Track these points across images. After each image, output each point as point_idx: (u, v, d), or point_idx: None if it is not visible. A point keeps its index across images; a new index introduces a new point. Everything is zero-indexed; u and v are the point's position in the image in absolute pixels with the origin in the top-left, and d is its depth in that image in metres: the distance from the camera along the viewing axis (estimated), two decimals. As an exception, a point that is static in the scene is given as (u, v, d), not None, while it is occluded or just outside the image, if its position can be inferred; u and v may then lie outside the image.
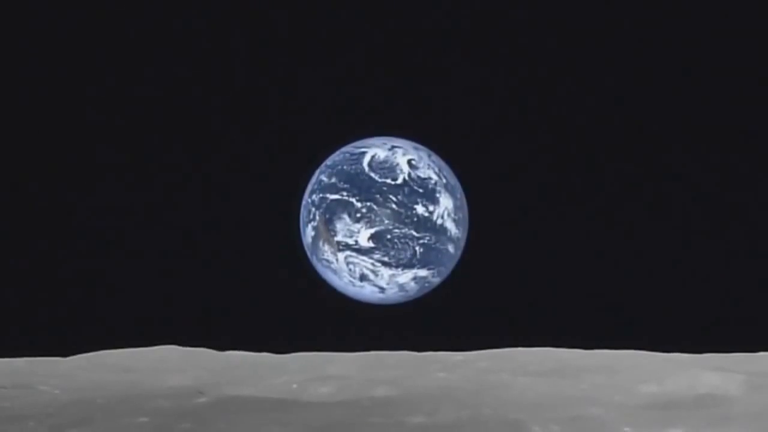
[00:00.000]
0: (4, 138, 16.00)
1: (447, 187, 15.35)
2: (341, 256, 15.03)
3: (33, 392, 13.43)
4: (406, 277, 15.17)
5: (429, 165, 15.33)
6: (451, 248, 15.44)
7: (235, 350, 15.29)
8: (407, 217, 14.93)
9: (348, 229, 14.92)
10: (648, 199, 16.03)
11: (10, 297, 16.07)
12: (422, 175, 15.18)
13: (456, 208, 15.43)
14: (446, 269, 15.53)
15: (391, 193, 14.90)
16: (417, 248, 15.04)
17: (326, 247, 15.11)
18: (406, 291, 15.38)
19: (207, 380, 13.94)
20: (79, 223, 16.08)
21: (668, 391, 13.38)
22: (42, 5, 15.75)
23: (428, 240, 15.09)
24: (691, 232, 15.96)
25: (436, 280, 15.52)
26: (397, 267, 15.05)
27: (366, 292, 15.31)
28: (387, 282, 15.16)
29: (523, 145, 16.38)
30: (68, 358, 15.15)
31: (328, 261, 15.20)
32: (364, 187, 14.94)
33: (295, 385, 13.63)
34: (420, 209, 15.00)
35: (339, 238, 14.95)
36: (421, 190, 15.06)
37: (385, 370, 14.27)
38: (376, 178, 14.98)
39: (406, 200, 14.95)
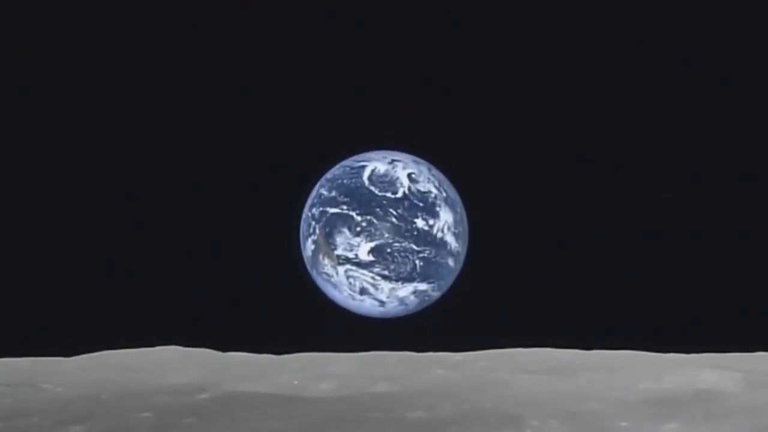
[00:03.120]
0: (6, 139, 17.28)
1: (447, 201, 16.17)
2: (341, 269, 15.80)
3: (36, 390, 14.51)
4: (406, 290, 15.95)
5: (429, 179, 16.16)
6: (451, 262, 16.25)
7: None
8: (407, 230, 15.69)
9: (348, 243, 15.67)
10: (645, 208, 17.34)
11: (12, 298, 17.26)
12: (422, 189, 15.98)
13: (456, 221, 16.23)
14: (446, 283, 16.35)
15: (391, 207, 15.67)
16: (417, 262, 15.81)
17: (326, 261, 15.91)
18: (406, 304, 16.19)
19: (208, 378, 15.00)
20: (83, 227, 17.38)
21: (666, 387, 14.42)
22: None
23: (428, 254, 15.87)
24: (688, 235, 17.21)
25: (436, 294, 16.33)
26: (397, 280, 15.82)
27: (366, 305, 16.11)
28: (387, 295, 15.94)
29: (523, 159, 17.64)
30: (71, 359, 16.28)
31: (328, 274, 15.99)
32: (364, 200, 15.70)
33: (296, 382, 14.68)
34: (420, 223, 15.77)
35: (339, 251, 15.72)
36: (421, 204, 15.85)
37: (385, 368, 15.30)
38: (376, 191, 15.76)
39: (406, 214, 15.72)
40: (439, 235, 15.97)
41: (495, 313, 17.33)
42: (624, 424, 13.31)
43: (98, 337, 16.65)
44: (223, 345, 16.86)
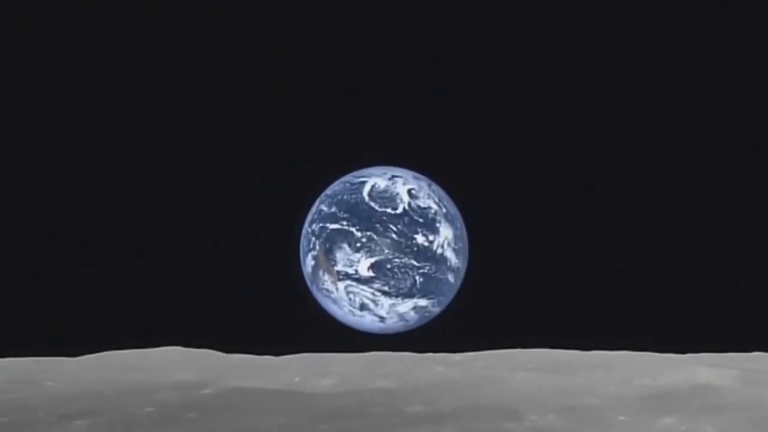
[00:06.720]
0: (9, 140, 18.64)
1: (447, 217, 17.04)
2: (341, 285, 16.65)
3: (40, 387, 15.88)
4: (406, 306, 16.81)
5: (429, 194, 17.03)
6: (451, 278, 17.15)
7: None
8: (407, 246, 16.52)
9: (348, 259, 16.51)
10: (644, 211, 18.74)
11: (14, 299, 18.60)
12: (422, 205, 16.83)
13: (456, 237, 17.09)
14: (446, 299, 17.21)
15: (391, 223, 16.49)
16: (417, 278, 16.65)
17: (326, 277, 16.80)
18: (406, 320, 17.05)
19: (211, 377, 16.37)
20: (87, 230, 18.81)
21: (663, 384, 15.74)
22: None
23: (428, 269, 16.73)
24: (686, 236, 18.57)
25: (436, 310, 17.20)
26: (397, 296, 16.66)
27: (366, 321, 16.94)
28: (387, 311, 16.78)
29: (523, 175, 19.01)
30: (73, 359, 17.70)
31: (328, 290, 16.86)
32: (364, 216, 16.53)
33: (297, 379, 16.01)
34: (420, 239, 16.61)
35: (339, 267, 16.57)
36: (421, 220, 16.69)
37: (386, 366, 16.63)
38: (376, 207, 16.60)
39: (406, 230, 16.55)
40: (439, 250, 16.76)
41: (495, 327, 18.58)
42: (622, 418, 14.46)
43: (101, 339, 18.12)
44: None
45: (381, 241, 16.43)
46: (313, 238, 16.97)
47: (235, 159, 19.04)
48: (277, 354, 18.18)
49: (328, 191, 17.18)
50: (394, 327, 17.14)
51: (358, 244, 16.49)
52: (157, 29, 18.71)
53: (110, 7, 18.54)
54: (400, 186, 16.91)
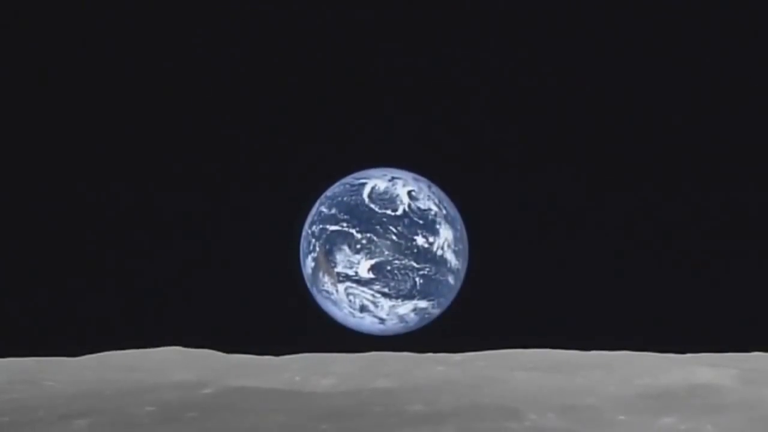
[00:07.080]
0: (9, 140, 18.84)
1: (447, 219, 17.17)
2: (341, 287, 16.76)
3: (40, 387, 16.03)
4: (406, 308, 16.92)
5: (429, 196, 17.16)
6: (451, 279, 17.27)
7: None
8: (407, 248, 16.64)
9: (348, 260, 16.63)
10: (643, 213, 18.95)
11: (15, 300, 18.80)
12: (422, 207, 16.96)
13: (456, 239, 17.22)
14: (446, 300, 17.33)
15: (391, 225, 16.62)
16: (417, 279, 16.78)
17: (326, 278, 16.91)
18: (406, 322, 17.17)
19: (211, 377, 16.50)
20: (86, 231, 19.01)
21: (662, 384, 15.90)
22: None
23: (428, 271, 16.85)
24: (685, 238, 18.78)
25: (436, 311, 17.30)
26: (397, 298, 16.77)
27: (366, 323, 17.06)
28: (387, 313, 16.89)
29: (523, 176, 19.23)
30: (75, 358, 17.84)
31: (328, 292, 16.97)
32: (364, 218, 16.65)
33: (298, 378, 16.14)
34: (420, 240, 16.74)
35: (339, 269, 16.69)
36: (421, 222, 16.83)
37: (386, 366, 16.78)
38: (376, 209, 16.72)
39: (406, 231, 16.68)
40: (439, 252, 16.89)
41: (495, 327, 18.75)
42: (622, 417, 14.61)
43: (101, 339, 18.29)
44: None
45: (381, 242, 16.55)
46: (313, 240, 17.09)
47: (236, 160, 19.22)
48: (277, 354, 18.31)
49: (328, 193, 17.31)
50: (394, 328, 17.26)
51: (358, 246, 16.60)
52: (157, 29, 18.91)
53: (110, 7, 18.72)
54: (400, 187, 17.05)
